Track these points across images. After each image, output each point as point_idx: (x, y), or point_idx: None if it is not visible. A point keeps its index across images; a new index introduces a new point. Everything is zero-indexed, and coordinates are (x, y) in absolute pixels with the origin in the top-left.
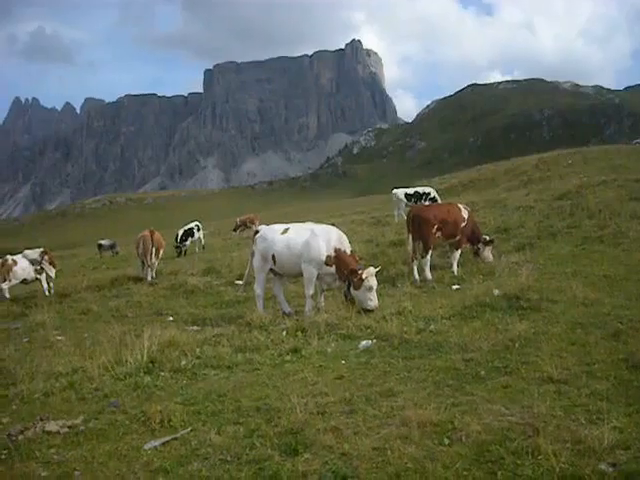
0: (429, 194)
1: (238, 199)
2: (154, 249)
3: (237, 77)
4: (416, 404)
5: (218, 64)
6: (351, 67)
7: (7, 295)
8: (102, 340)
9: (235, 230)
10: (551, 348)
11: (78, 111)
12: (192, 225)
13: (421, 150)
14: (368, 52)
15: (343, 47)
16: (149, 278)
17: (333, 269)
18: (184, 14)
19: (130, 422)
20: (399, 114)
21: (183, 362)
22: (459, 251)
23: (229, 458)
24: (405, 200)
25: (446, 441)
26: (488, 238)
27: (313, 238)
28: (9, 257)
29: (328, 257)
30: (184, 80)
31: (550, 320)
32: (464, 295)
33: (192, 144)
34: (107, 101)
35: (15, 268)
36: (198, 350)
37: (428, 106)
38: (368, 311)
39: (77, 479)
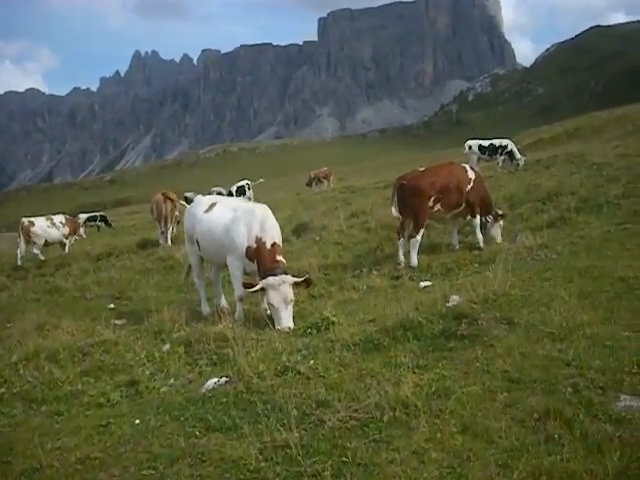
0: (506, 147)
1: (349, 148)
2: (169, 213)
3: (351, 24)
4: None
5: (332, 12)
6: (468, 11)
7: (42, 257)
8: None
9: (309, 185)
10: (413, 448)
11: (195, 62)
12: (243, 183)
13: (539, 96)
14: None
15: None
16: (162, 242)
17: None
18: None
19: None
20: (517, 59)
21: (2, 390)
22: (478, 218)
23: None
24: (479, 153)
25: None
26: (501, 212)
27: (234, 222)
28: (25, 219)
29: (248, 249)
30: (298, 29)
31: (477, 369)
32: (415, 301)
33: (307, 93)
34: (223, 52)
35: (33, 229)
36: (46, 369)
37: (547, 50)
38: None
39: None
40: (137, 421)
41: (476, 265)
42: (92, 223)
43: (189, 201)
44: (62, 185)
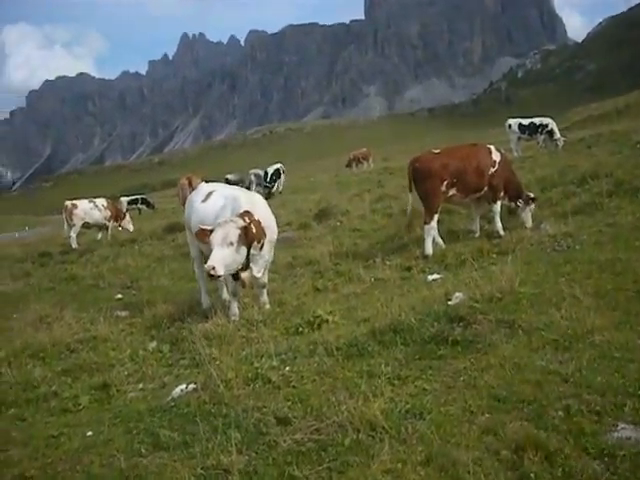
0: (546, 126)
1: (397, 127)
2: None
3: (398, 1)
4: None
5: None
6: None
7: (74, 245)
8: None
9: (349, 166)
10: None
11: (242, 43)
12: (278, 166)
13: (590, 72)
14: None
15: None
16: None
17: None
18: None
19: None
20: (567, 34)
21: None
22: (498, 204)
23: None
24: (519, 132)
25: None
26: (532, 195)
27: (223, 209)
28: (68, 202)
29: None
30: (345, 8)
31: (462, 383)
32: (415, 298)
33: (354, 72)
34: (270, 32)
35: (76, 211)
36: (29, 366)
37: (600, 24)
38: None
39: None
40: (89, 433)
41: (494, 256)
42: (133, 206)
43: (230, 183)
44: (112, 167)
